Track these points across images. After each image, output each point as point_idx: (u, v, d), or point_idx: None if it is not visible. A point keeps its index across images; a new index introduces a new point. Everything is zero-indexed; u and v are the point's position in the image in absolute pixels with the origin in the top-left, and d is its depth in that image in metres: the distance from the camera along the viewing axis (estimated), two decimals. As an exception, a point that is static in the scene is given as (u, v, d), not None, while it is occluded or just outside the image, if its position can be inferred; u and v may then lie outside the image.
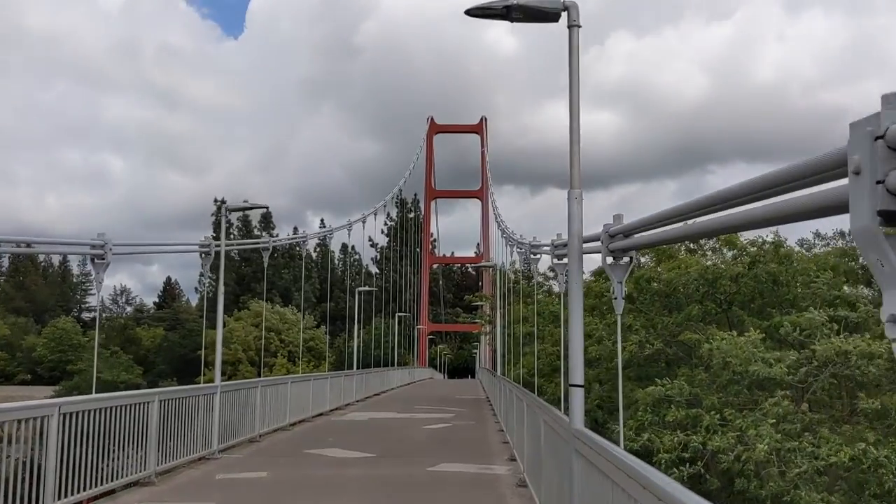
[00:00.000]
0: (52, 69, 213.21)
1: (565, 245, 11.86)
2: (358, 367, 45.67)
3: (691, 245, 32.09)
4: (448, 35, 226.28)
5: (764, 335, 23.26)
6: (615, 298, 7.27)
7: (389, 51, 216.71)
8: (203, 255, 17.50)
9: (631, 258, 7.26)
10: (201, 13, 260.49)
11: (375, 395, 41.82)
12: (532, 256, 16.72)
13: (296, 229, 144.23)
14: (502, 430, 22.16)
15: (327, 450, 17.90)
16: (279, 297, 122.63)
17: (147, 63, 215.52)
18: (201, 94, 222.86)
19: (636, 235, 7.03)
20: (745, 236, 27.68)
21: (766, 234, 26.81)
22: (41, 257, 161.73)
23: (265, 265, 23.28)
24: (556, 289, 41.09)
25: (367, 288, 45.16)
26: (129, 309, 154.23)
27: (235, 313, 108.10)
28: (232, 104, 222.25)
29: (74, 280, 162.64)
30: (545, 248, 14.62)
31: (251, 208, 16.47)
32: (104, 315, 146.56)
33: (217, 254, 17.47)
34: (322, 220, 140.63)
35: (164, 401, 13.72)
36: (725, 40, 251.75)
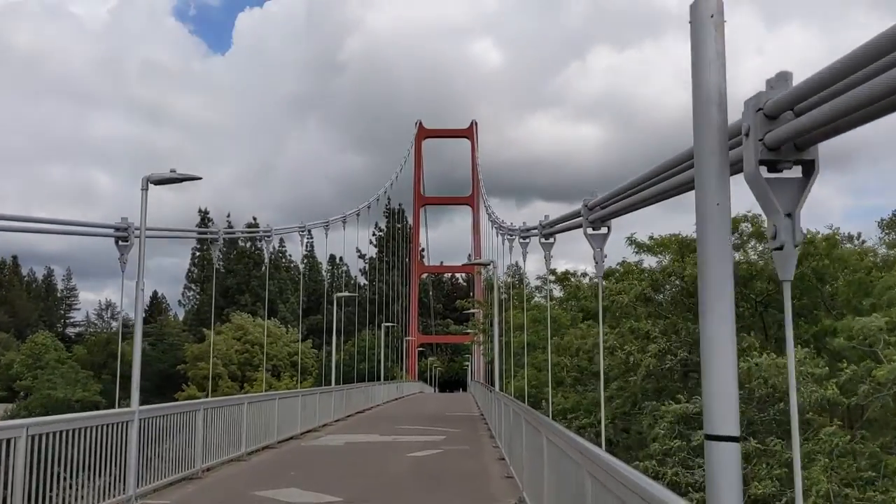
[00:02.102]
0: (38, 86, 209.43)
1: (604, 205, 8.06)
2: (340, 382, 41.76)
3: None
4: (432, 50, 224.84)
5: (809, 347, 19.61)
6: (777, 248, 3.48)
7: (373, 67, 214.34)
8: (119, 242, 13.64)
9: (813, 163, 3.48)
10: (188, 29, 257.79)
11: (358, 412, 37.85)
12: (543, 241, 12.89)
13: (282, 241, 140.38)
14: (503, 459, 18.30)
15: (283, 490, 14.02)
16: (263, 309, 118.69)
17: (133, 79, 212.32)
18: (188, 110, 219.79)
19: (822, 107, 3.27)
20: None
21: (819, 227, 23.24)
22: (24, 272, 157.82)
23: (214, 259, 19.47)
24: (556, 293, 37.21)
25: (346, 293, 41.23)
26: (114, 324, 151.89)
27: (217, 326, 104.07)
28: (218, 120, 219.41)
29: (59, 295, 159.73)
30: (566, 223, 10.65)
31: (181, 179, 12.69)
32: (89, 331, 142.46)
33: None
34: (309, 232, 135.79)
35: (39, 436, 9.84)
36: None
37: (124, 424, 12.25)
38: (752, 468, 17.04)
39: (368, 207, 55.58)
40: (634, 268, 30.24)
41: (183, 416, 14.74)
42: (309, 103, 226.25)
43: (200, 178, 13.00)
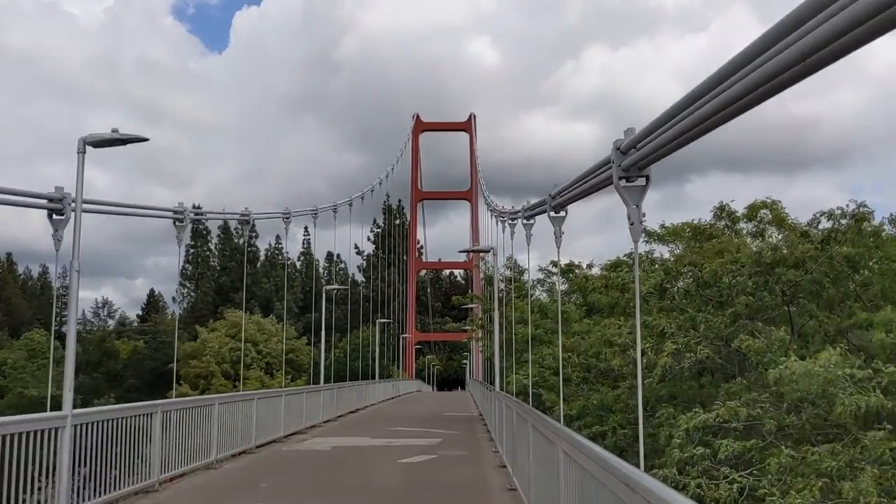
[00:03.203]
0: (35, 85, 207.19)
1: (642, 144, 6.03)
2: (332, 380, 39.70)
3: (725, 230, 26.30)
4: (428, 49, 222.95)
5: (843, 345, 17.49)
6: None
7: (370, 66, 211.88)
8: (53, 216, 11.66)
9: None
10: (185, 28, 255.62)
11: (350, 412, 35.86)
12: (553, 214, 10.88)
13: (278, 238, 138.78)
14: (504, 466, 16.31)
15: (250, 507, 12.03)
16: (259, 307, 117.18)
17: (130, 77, 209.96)
18: (184, 108, 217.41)
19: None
20: (801, 216, 21.94)
21: (845, 204, 20.96)
22: (20, 270, 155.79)
23: (180, 242, 17.42)
24: (560, 287, 35.12)
25: (336, 286, 39.14)
26: (111, 322, 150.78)
27: (211, 323, 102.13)
28: (215, 118, 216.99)
29: (54, 293, 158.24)
30: (590, 181, 8.44)
31: (125, 141, 10.71)
32: (85, 329, 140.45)
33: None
34: (305, 228, 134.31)
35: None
36: (700, 52, 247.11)
37: (53, 431, 10.23)
38: (788, 478, 15.02)
39: (362, 198, 53.66)
40: (645, 258, 28.23)
41: (134, 419, 12.70)
42: (306, 102, 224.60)
43: (147, 140, 11.02)
